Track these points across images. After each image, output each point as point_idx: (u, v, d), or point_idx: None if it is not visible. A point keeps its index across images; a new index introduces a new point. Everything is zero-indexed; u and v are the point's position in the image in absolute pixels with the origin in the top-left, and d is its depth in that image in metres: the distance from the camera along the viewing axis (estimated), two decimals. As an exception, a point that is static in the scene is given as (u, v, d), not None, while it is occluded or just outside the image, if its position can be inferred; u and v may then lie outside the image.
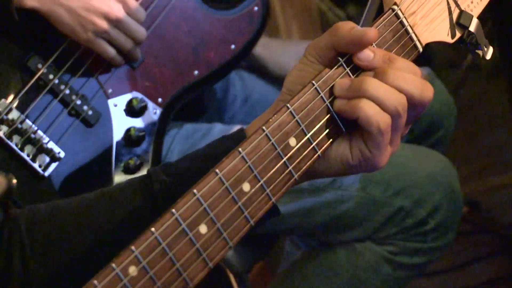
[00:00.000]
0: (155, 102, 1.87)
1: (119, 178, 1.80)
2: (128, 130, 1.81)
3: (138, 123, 1.84)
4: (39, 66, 1.78)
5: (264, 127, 1.11)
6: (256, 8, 1.96)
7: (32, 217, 1.30)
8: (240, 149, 1.09)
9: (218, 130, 1.96)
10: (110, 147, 1.82)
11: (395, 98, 1.14)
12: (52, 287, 1.23)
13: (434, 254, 2.01)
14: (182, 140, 1.97)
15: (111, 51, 1.81)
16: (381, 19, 1.22)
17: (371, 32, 1.14)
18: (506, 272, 2.81)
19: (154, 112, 1.87)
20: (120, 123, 1.82)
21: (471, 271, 2.84)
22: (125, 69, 1.86)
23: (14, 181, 1.29)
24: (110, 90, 1.82)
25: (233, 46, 1.94)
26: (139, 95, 1.85)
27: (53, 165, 1.75)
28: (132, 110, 1.83)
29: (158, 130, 1.88)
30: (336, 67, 1.17)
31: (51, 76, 1.77)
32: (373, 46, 1.18)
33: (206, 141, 1.70)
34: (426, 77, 1.90)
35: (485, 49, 1.31)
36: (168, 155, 1.93)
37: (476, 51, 1.30)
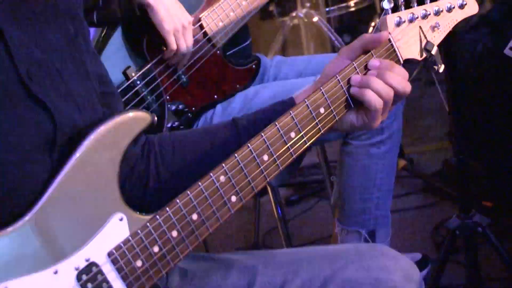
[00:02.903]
0: (190, 109, 2.29)
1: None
2: (171, 124, 2.23)
3: (178, 120, 2.26)
4: (133, 74, 2.17)
5: (306, 100, 1.44)
6: (254, 66, 2.43)
7: (161, 139, 1.55)
8: (291, 111, 1.42)
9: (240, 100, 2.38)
10: (162, 130, 2.21)
11: (387, 91, 1.44)
12: (171, 184, 1.45)
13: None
14: (219, 115, 2.35)
15: (174, 45, 2.13)
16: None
17: (384, 34, 1.49)
18: (424, 202, 3.46)
19: (190, 116, 2.29)
20: (169, 118, 2.23)
21: (405, 200, 3.49)
22: (179, 87, 2.25)
23: (156, 118, 1.40)
24: (167, 97, 2.24)
25: (238, 86, 2.38)
26: (182, 104, 2.27)
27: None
28: (177, 112, 2.26)
29: (190, 123, 2.30)
30: (350, 67, 1.49)
31: (138, 82, 2.17)
32: (375, 58, 1.50)
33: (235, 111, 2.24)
34: None
35: (440, 65, 1.62)
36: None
37: (434, 66, 1.62)
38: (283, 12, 4.53)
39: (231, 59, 2.41)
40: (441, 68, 1.64)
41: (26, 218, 1.19)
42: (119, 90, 2.15)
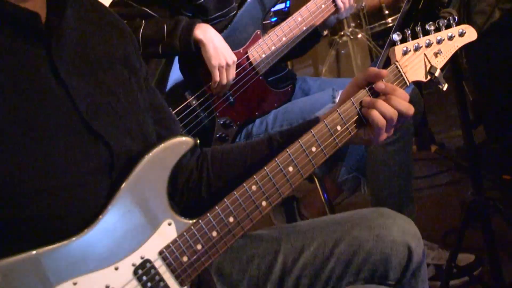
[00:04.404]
0: (235, 123, 2.39)
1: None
2: (219, 135, 2.36)
3: (225, 131, 2.37)
4: (189, 96, 2.30)
5: (324, 120, 1.47)
6: (289, 88, 2.51)
7: (213, 152, 1.60)
8: (311, 130, 1.46)
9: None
10: (212, 139, 2.37)
11: (391, 113, 1.47)
12: (219, 192, 1.47)
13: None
14: (257, 126, 2.45)
15: (218, 78, 2.23)
16: (389, 68, 1.56)
17: (384, 71, 1.50)
18: (453, 179, 3.47)
19: (235, 128, 2.39)
20: (218, 130, 2.36)
21: (437, 178, 3.53)
22: (227, 105, 2.36)
23: (198, 141, 1.43)
24: (217, 114, 2.34)
25: (276, 104, 2.48)
26: (229, 119, 2.38)
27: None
28: (224, 125, 2.37)
29: (234, 135, 2.40)
30: (363, 92, 1.52)
31: (194, 102, 2.30)
32: (384, 81, 1.51)
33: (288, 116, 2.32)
34: (411, 93, 2.37)
35: (443, 84, 1.64)
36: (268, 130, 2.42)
37: (438, 85, 1.64)
38: (334, 32, 4.68)
39: (271, 84, 2.48)
40: (445, 87, 1.64)
41: (93, 225, 1.24)
42: (178, 108, 2.26)
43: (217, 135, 2.33)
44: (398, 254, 1.51)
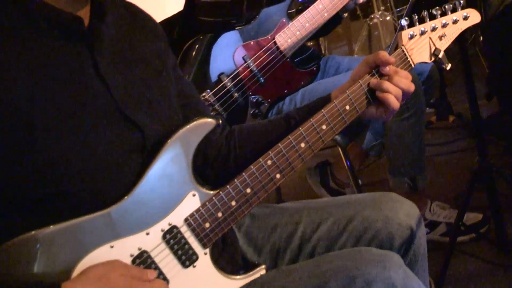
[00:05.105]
0: (267, 101, 2.38)
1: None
2: (253, 112, 2.36)
3: (257, 109, 2.37)
4: (225, 79, 2.28)
5: (335, 101, 1.48)
6: (314, 68, 2.48)
7: (240, 129, 1.63)
8: (323, 110, 1.47)
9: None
10: (246, 115, 2.36)
11: (396, 91, 1.49)
12: (244, 165, 1.45)
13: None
14: (287, 104, 2.44)
15: None
16: (396, 52, 1.57)
17: (392, 59, 1.50)
18: (468, 146, 3.44)
19: (266, 105, 2.38)
20: (251, 107, 2.35)
21: (454, 144, 3.50)
22: (258, 85, 2.34)
23: (220, 121, 1.45)
24: (250, 93, 2.33)
25: (302, 83, 2.45)
26: (261, 97, 2.38)
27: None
28: (257, 103, 2.36)
29: (266, 112, 2.40)
30: (371, 74, 1.52)
31: (228, 83, 2.28)
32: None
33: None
34: (430, 70, 2.47)
35: (446, 65, 1.63)
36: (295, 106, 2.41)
37: (442, 65, 1.63)
38: (365, 14, 4.78)
39: (298, 64, 2.47)
40: (448, 66, 1.63)
41: (127, 197, 1.27)
42: (215, 90, 2.26)
43: (251, 112, 2.33)
44: (402, 235, 1.54)
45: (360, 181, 2.62)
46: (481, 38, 3.20)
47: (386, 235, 1.54)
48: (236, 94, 2.30)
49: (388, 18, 4.56)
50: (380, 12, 4.63)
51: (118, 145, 1.28)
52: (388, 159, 2.63)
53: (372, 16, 4.64)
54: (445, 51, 1.63)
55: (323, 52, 4.58)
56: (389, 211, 1.55)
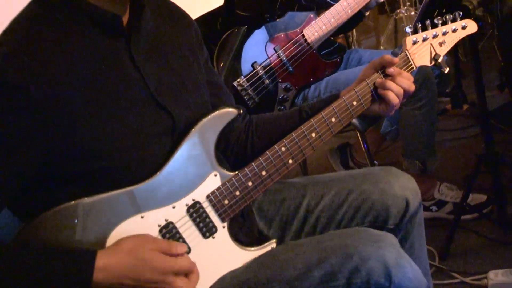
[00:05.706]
0: (294, 87, 2.39)
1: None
2: (281, 97, 2.37)
3: (286, 94, 2.38)
4: (257, 67, 2.31)
5: (344, 97, 1.50)
6: (338, 60, 2.49)
7: (258, 118, 1.64)
8: (333, 105, 1.49)
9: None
10: (276, 100, 2.38)
11: (398, 90, 1.50)
12: (260, 150, 1.46)
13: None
14: (312, 91, 2.43)
15: None
16: (399, 56, 1.57)
17: (395, 59, 1.52)
18: (477, 132, 3.32)
19: (294, 91, 2.39)
20: (280, 93, 2.37)
21: (466, 131, 3.45)
22: (287, 74, 2.36)
23: (241, 110, 1.47)
24: (279, 80, 2.35)
25: (327, 72, 2.45)
26: (289, 84, 2.38)
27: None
28: (285, 89, 2.37)
29: (293, 97, 2.41)
30: (377, 74, 1.54)
31: (260, 71, 2.31)
32: (394, 67, 1.53)
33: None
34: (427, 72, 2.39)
35: (444, 68, 1.64)
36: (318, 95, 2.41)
37: (441, 69, 1.64)
38: (392, 9, 4.77)
39: (323, 55, 2.48)
40: (446, 70, 1.65)
41: (157, 174, 1.30)
42: (248, 76, 2.29)
43: (280, 97, 2.35)
44: (397, 205, 1.55)
45: (376, 162, 2.63)
46: (496, 33, 3.14)
47: (381, 206, 1.55)
48: (267, 81, 2.32)
49: (412, 13, 4.55)
50: (405, 8, 4.63)
51: (151, 128, 1.29)
52: (401, 144, 2.65)
53: (398, 11, 4.63)
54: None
55: (352, 43, 4.56)
56: (385, 184, 1.56)
